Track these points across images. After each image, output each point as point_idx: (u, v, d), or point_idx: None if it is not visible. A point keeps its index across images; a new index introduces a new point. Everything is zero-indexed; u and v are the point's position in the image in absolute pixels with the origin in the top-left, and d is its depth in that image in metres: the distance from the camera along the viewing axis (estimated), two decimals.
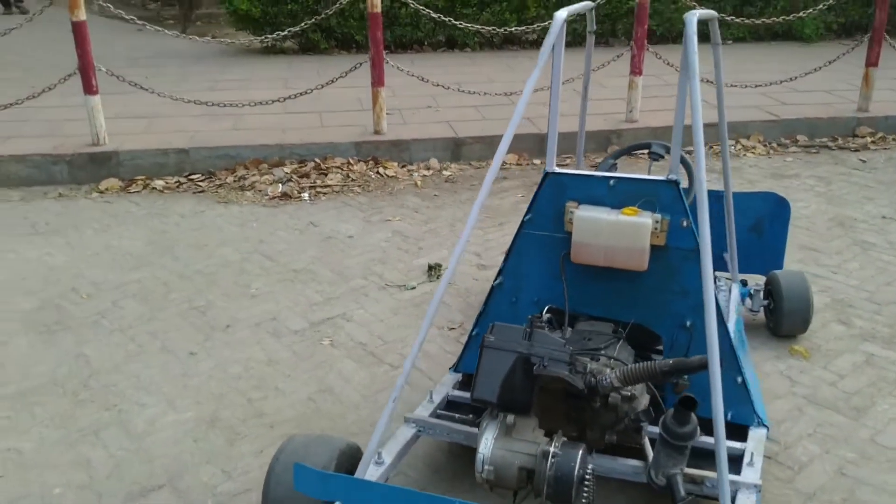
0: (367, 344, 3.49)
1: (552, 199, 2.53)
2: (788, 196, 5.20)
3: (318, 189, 5.37)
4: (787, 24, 9.76)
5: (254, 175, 5.57)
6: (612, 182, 2.46)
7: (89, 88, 5.62)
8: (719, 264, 3.52)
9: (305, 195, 5.28)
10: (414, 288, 4.01)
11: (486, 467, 2.14)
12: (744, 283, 3.59)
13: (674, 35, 10.02)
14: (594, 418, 2.30)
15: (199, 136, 5.97)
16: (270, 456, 2.55)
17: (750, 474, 2.30)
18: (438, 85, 6.40)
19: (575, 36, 9.92)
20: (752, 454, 2.38)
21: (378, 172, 5.66)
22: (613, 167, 3.25)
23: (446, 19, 6.88)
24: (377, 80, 5.84)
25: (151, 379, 3.26)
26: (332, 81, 6.11)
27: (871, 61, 6.49)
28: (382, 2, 8.12)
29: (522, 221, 2.59)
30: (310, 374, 3.27)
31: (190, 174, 5.68)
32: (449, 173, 5.75)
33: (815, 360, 3.34)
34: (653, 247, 2.44)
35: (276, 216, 4.99)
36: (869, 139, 6.41)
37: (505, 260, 2.66)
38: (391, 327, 3.63)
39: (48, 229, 4.84)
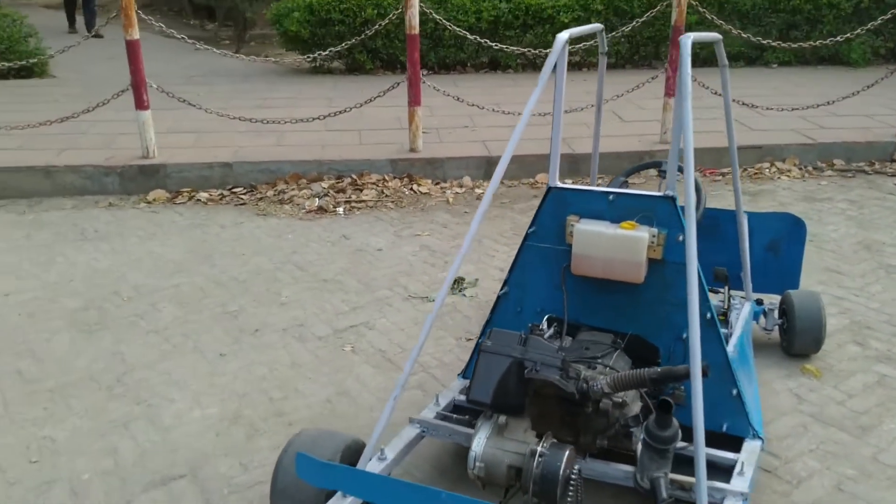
0: (387, 351, 3.63)
1: (554, 212, 2.64)
2: (819, 219, 5.24)
3: (353, 204, 5.56)
4: (833, 49, 9.70)
5: (293, 189, 5.78)
6: (611, 197, 2.57)
7: (141, 104, 5.92)
8: (736, 283, 3.58)
9: (340, 209, 5.47)
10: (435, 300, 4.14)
11: (477, 464, 2.25)
12: (759, 302, 3.64)
13: (714, 58, 10.01)
14: (587, 423, 2.39)
15: (242, 151, 6.22)
16: None
17: (738, 483, 2.37)
18: (473, 105, 6.55)
19: (619, 58, 10.02)
20: (742, 464, 2.44)
21: (412, 189, 5.83)
22: (624, 184, 3.34)
23: (491, 44, 7.05)
24: (413, 100, 6.02)
25: (181, 377, 3.44)
26: (371, 100, 6.32)
27: None
28: (426, 24, 8.36)
29: (526, 234, 2.71)
30: (329, 378, 3.42)
31: (233, 187, 5.93)
32: (481, 191, 5.88)
33: (827, 379, 3.37)
34: (651, 260, 2.54)
35: (311, 229, 5.18)
36: None
37: (510, 271, 2.78)
38: (410, 336, 3.76)
39: (96, 236, 5.11)
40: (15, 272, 4.54)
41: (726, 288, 3.53)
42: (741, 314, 3.38)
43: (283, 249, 4.84)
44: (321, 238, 5.02)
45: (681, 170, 3.23)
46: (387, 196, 5.70)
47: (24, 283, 4.41)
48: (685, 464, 2.46)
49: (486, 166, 6.09)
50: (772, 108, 6.80)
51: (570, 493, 2.17)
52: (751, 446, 2.57)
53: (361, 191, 5.72)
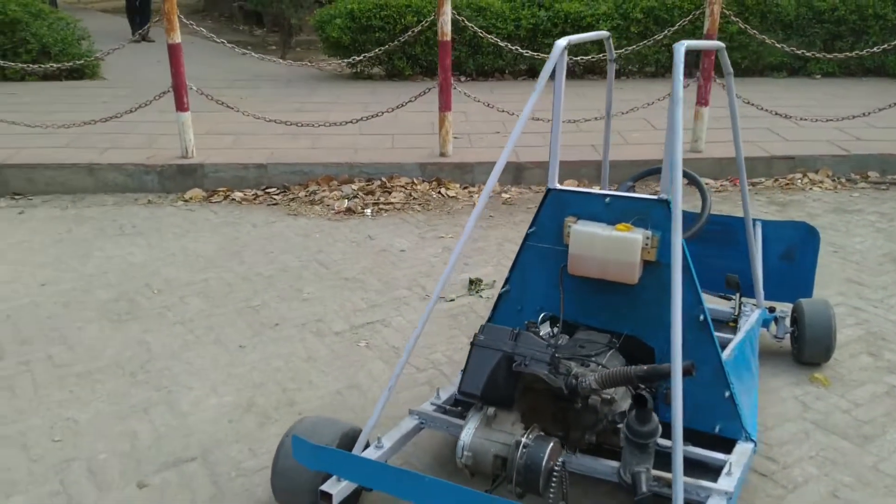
0: (399, 348, 3.73)
1: (553, 214, 2.71)
2: (847, 230, 5.20)
3: (381, 206, 5.68)
4: (879, 61, 9.54)
5: (324, 191, 5.93)
6: (607, 199, 2.63)
7: (181, 106, 6.13)
8: (749, 291, 3.59)
9: (368, 211, 5.59)
10: (453, 300, 4.23)
11: (465, 453, 2.33)
12: (771, 310, 3.65)
13: (760, 68, 9.94)
14: (576, 419, 2.45)
15: (277, 152, 6.40)
16: None
17: (724, 482, 2.40)
18: (504, 111, 6.63)
19: (658, 67, 10.00)
20: (731, 465, 2.47)
21: (440, 193, 5.93)
22: (632, 189, 3.39)
23: (529, 52, 7.12)
24: (444, 105, 6.12)
25: (201, 366, 3.59)
26: (402, 105, 6.44)
27: None
28: (465, 32, 8.46)
29: (527, 234, 2.78)
30: (342, 371, 3.53)
31: (267, 188, 6.10)
32: (508, 196, 5.96)
33: (835, 388, 3.37)
34: (646, 262, 2.59)
35: (338, 229, 5.31)
36: None
37: (511, 269, 2.85)
38: (424, 334, 3.85)
39: (134, 231, 5.32)
40: (54, 264, 4.76)
41: (738, 295, 3.54)
42: (749, 320, 3.39)
43: (309, 248, 4.98)
44: (347, 238, 5.15)
45: (687, 175, 3.28)
46: (414, 199, 5.82)
47: (61, 274, 4.61)
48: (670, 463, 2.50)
49: (514, 172, 6.16)
50: (806, 119, 6.73)
51: (554, 485, 2.23)
52: (742, 448, 2.60)
53: (390, 193, 5.84)
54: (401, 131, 7.08)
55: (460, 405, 2.77)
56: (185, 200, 5.97)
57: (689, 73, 9.95)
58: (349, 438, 2.53)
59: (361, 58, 7.33)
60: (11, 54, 9.18)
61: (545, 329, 2.74)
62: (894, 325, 3.90)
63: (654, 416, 2.22)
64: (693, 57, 9.89)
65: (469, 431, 2.36)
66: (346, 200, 5.72)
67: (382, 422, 3.09)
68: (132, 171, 6.14)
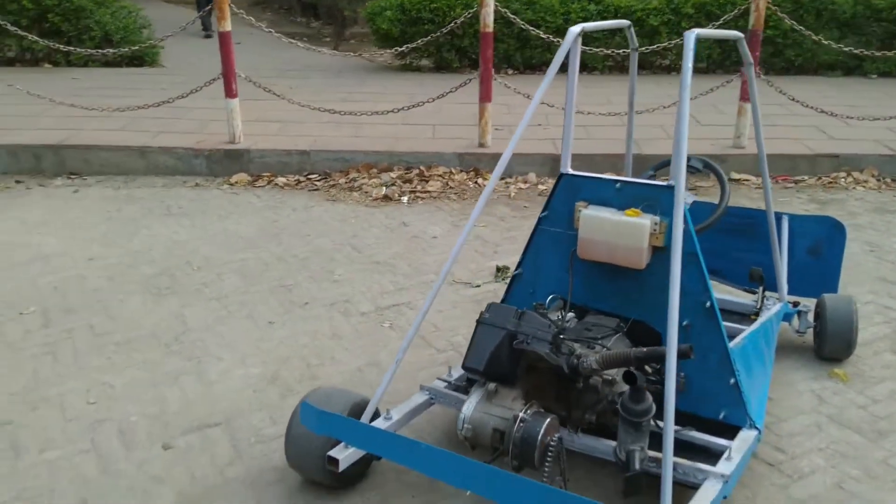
0: (422, 330, 3.83)
1: (565, 198, 2.77)
2: (887, 230, 5.11)
3: (418, 194, 5.78)
4: None
5: (363, 178, 6.06)
6: (618, 185, 2.67)
7: (230, 92, 6.33)
8: (774, 285, 3.59)
9: (405, 199, 5.70)
10: (479, 286, 4.31)
11: (465, 426, 2.42)
12: (794, 304, 3.64)
13: (814, 67, 9.75)
14: (577, 398, 2.52)
15: (321, 140, 6.55)
16: None
17: (722, 466, 2.43)
18: (546, 104, 6.67)
19: (710, 62, 9.88)
20: (731, 450, 2.50)
21: (476, 183, 6.00)
22: (652, 178, 3.41)
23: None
24: (484, 96, 6.20)
25: (232, 339, 3.74)
26: (443, 96, 6.54)
27: None
28: (513, 25, 8.50)
29: (539, 218, 2.84)
30: (364, 349, 3.65)
31: (309, 174, 6.26)
32: (544, 187, 6.00)
33: (854, 384, 3.35)
34: (655, 248, 2.63)
35: (374, 215, 5.44)
36: None
37: (524, 253, 2.92)
38: (447, 318, 3.94)
39: (180, 212, 5.53)
40: (102, 240, 4.99)
41: (761, 289, 3.55)
42: (769, 312, 3.39)
43: (344, 232, 5.11)
44: (382, 224, 5.27)
45: (710, 166, 3.30)
46: (451, 188, 5.91)
47: (109, 250, 4.83)
48: (676, 447, 2.54)
49: (551, 164, 6.20)
50: (853, 118, 6.61)
51: (549, 459, 2.30)
52: (745, 435, 2.62)
53: (427, 182, 5.94)
54: (442, 122, 7.18)
55: (472, 383, 2.85)
56: (231, 184, 6.16)
57: (735, 69, 9.84)
58: (359, 409, 2.64)
59: (404, 48, 7.42)
60: (76, 41, 9.54)
61: (556, 311, 2.80)
62: None
63: (649, 396, 2.27)
64: (729, 53, 9.78)
65: (470, 405, 2.44)
66: (384, 188, 5.84)
67: (398, 399, 3.20)
68: (182, 154, 6.36)
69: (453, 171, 6.12)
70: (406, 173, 6.09)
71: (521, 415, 2.33)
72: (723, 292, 3.77)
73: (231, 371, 3.47)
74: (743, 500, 2.65)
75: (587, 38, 9.43)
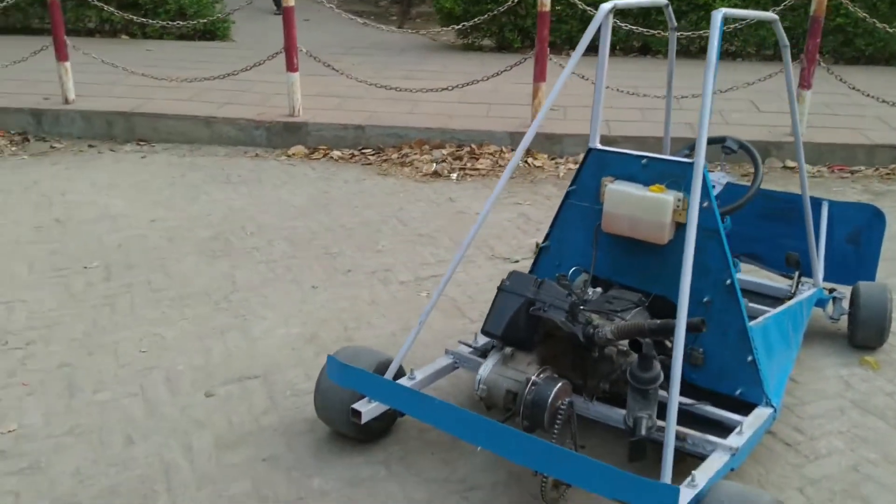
0: (457, 300, 3.95)
1: (593, 173, 2.83)
2: None
3: (467, 171, 5.88)
4: None
5: (415, 154, 6.19)
6: (644, 161, 2.73)
7: (291, 66, 6.53)
8: (809, 270, 3.58)
9: (454, 175, 5.81)
10: (517, 262, 4.40)
11: (481, 386, 2.53)
12: (830, 291, 3.63)
13: (886, 56, 9.45)
14: (593, 368, 2.60)
15: (376, 115, 6.71)
16: None
17: (731, 440, 2.49)
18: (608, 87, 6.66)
19: (760, 45, 9.66)
20: (742, 425, 2.55)
21: (527, 162, 6.07)
22: (687, 157, 3.43)
23: (639, 30, 7.10)
24: (539, 76, 6.24)
25: (276, 300, 3.93)
26: (497, 74, 6.61)
27: None
28: (577, 6, 8.49)
29: (567, 192, 2.92)
30: (400, 316, 3.79)
31: (363, 148, 6.42)
32: None
33: (884, 372, 3.34)
34: (678, 224, 2.68)
35: (422, 190, 5.57)
36: None
37: (551, 226, 3.00)
38: (483, 290, 4.05)
39: (238, 181, 5.76)
40: (165, 203, 5.24)
41: (797, 273, 3.55)
42: (799, 296, 3.40)
43: (392, 205, 5.26)
44: (429, 199, 5.39)
45: (744, 147, 3.31)
46: (500, 167, 5.99)
47: (170, 213, 5.09)
48: (692, 420, 2.61)
49: (604, 144, 6.20)
50: None
51: (559, 422, 2.40)
52: (759, 412, 2.66)
53: (477, 160, 6.03)
54: (498, 101, 7.25)
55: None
56: (289, 156, 6.37)
57: (794, 56, 9.62)
58: (384, 367, 2.77)
59: (464, 25, 7.49)
60: (152, 14, 9.90)
61: (581, 284, 2.87)
62: None
63: (657, 364, 2.34)
64: (798, 39, 9.53)
65: (487, 367, 2.55)
66: (434, 164, 5.96)
67: (425, 362, 3.32)
68: (244, 125, 6.59)
69: (504, 149, 6.20)
70: (457, 151, 6.19)
71: (533, 378, 2.43)
72: (761, 277, 3.78)
73: (273, 329, 3.66)
74: (756, 477, 2.70)
75: (653, 20, 9.34)
